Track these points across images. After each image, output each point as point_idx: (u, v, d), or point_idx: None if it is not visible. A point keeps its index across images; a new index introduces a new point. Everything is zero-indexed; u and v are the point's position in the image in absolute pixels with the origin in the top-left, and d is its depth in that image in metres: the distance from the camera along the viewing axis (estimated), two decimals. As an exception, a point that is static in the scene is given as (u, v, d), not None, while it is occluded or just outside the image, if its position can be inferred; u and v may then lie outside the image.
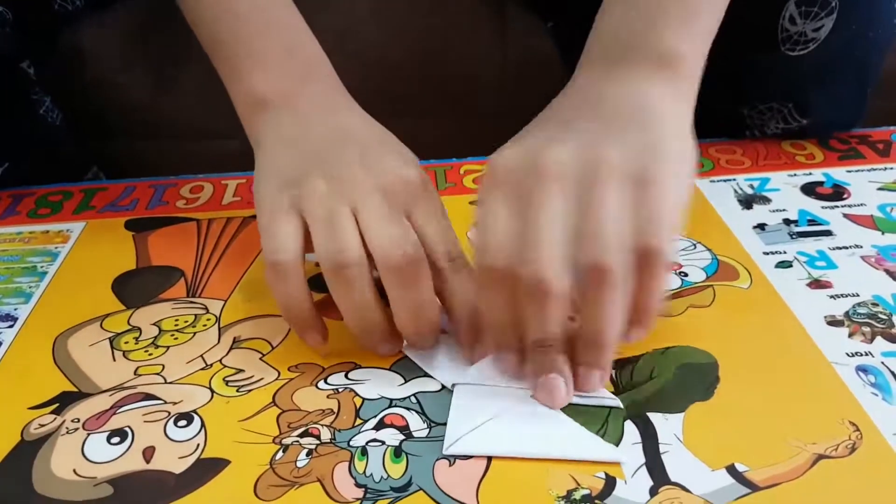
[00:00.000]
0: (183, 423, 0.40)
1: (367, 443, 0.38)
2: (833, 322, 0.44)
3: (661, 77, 0.41)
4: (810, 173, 0.58)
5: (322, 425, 0.39)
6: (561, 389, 0.39)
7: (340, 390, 0.41)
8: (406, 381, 0.42)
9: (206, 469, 0.37)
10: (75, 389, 0.42)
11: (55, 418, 0.41)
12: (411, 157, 0.44)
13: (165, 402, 0.41)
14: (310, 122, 0.46)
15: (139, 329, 0.47)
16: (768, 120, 0.60)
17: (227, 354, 0.44)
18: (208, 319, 0.47)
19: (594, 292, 0.36)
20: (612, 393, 0.40)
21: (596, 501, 0.35)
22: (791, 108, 0.59)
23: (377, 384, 0.42)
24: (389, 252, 0.39)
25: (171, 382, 0.43)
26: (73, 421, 0.40)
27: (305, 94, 0.47)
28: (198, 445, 0.39)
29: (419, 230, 0.41)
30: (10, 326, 0.48)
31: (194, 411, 0.41)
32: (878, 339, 0.43)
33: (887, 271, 0.48)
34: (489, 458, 0.37)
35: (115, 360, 0.44)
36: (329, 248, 0.40)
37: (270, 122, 0.46)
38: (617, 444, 0.37)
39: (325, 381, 0.42)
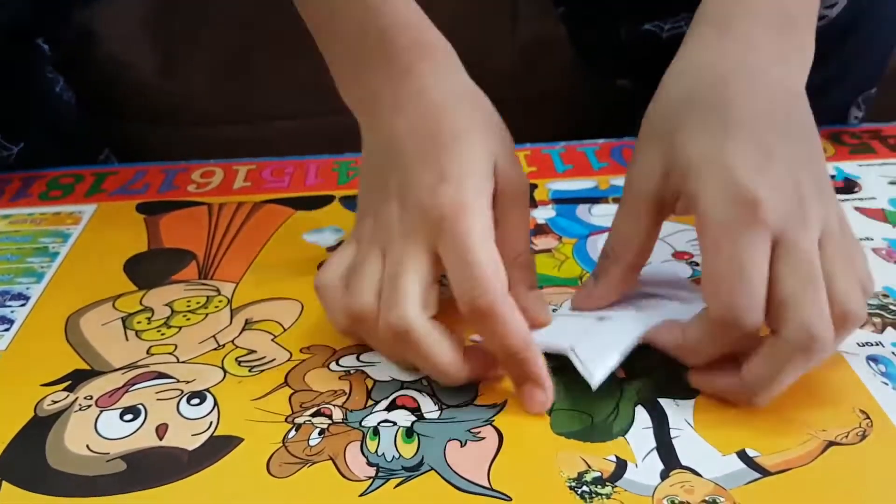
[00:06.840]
0: (196, 401, 0.40)
1: (378, 423, 0.38)
2: (843, 312, 0.44)
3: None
4: (821, 167, 0.58)
5: (334, 405, 0.39)
6: None
7: (352, 372, 0.41)
8: (418, 364, 0.42)
9: (219, 446, 0.38)
10: (88, 367, 0.43)
11: (68, 395, 0.41)
12: (454, 173, 0.39)
13: (178, 381, 0.41)
14: (375, 124, 0.43)
15: (151, 309, 0.47)
16: None
17: (239, 335, 0.45)
18: (220, 301, 0.47)
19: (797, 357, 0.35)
20: (624, 379, 0.40)
21: (607, 484, 0.35)
22: None
23: (388, 366, 0.42)
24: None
25: (183, 362, 0.43)
26: (85, 398, 0.41)
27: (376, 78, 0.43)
28: (211, 423, 0.39)
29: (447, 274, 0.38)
30: (23, 305, 0.48)
31: (207, 390, 0.41)
32: (889, 329, 0.43)
33: (898, 263, 0.48)
34: (500, 440, 0.37)
35: (127, 339, 0.45)
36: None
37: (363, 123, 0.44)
38: (627, 431, 0.38)
39: (337, 363, 0.42)
